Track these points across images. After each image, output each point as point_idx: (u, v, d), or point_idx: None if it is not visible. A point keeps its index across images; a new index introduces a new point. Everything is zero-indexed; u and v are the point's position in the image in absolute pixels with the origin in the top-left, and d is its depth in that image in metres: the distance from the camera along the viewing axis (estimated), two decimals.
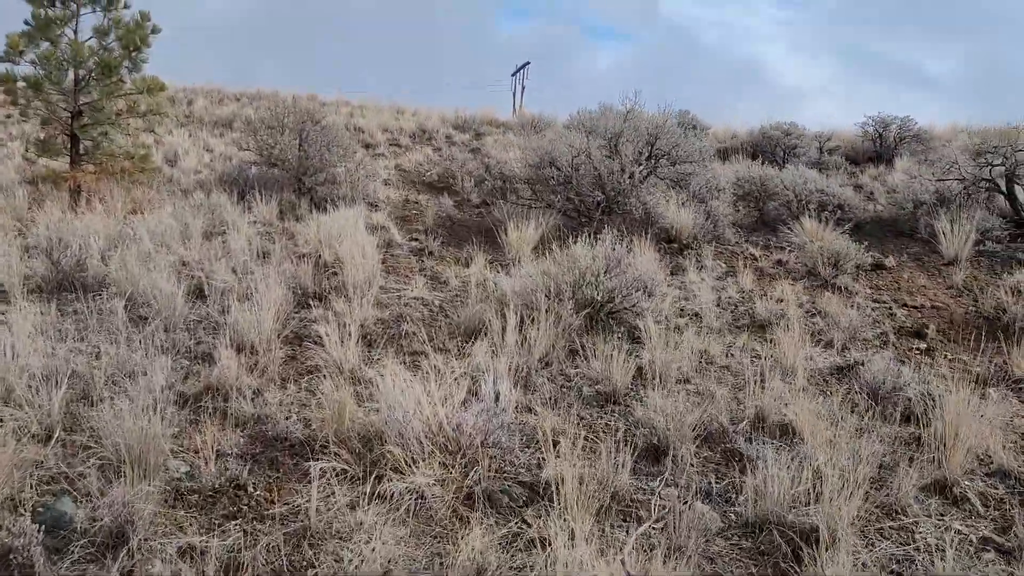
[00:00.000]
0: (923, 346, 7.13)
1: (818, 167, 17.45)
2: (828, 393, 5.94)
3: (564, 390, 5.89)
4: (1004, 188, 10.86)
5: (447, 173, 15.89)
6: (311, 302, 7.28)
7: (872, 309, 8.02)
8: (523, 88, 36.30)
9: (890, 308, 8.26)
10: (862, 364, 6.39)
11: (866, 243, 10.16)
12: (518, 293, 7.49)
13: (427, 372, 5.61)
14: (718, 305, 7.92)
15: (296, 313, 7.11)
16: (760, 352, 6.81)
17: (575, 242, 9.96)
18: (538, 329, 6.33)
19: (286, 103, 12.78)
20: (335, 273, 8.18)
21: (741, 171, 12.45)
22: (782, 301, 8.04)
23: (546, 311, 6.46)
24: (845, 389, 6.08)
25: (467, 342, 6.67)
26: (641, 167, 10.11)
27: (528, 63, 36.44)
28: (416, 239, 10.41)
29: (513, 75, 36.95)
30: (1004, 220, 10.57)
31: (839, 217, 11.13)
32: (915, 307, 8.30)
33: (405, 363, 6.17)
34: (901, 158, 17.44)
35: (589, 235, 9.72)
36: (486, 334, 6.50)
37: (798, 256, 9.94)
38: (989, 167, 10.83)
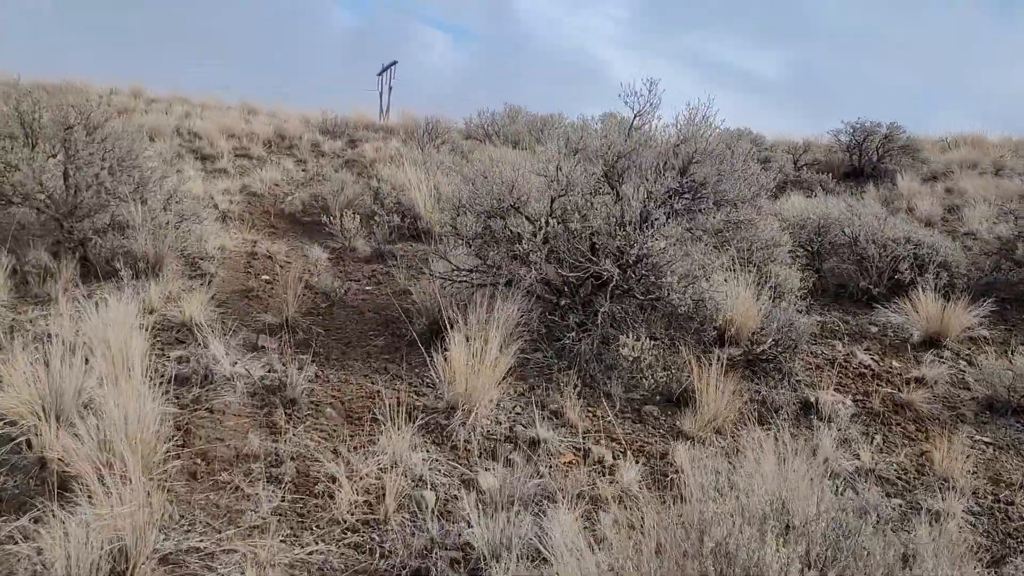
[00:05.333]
0: None
1: (801, 187, 13.65)
2: None
3: None
4: None
5: (316, 200, 10.96)
6: None
7: None
8: (390, 89, 31.94)
9: None
10: None
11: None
12: None
13: None
14: None
15: None
16: None
17: (565, 366, 5.39)
18: None
19: (24, 89, 7.48)
20: (65, 491, 3.26)
21: (783, 209, 8.20)
22: None
23: None
24: None
25: None
26: (665, 210, 5.66)
27: (395, 62, 32.15)
28: (262, 351, 5.53)
29: (379, 74, 32.56)
30: None
31: (947, 283, 7.06)
32: None
33: None
34: (902, 176, 13.81)
35: (592, 343, 5.19)
36: None
37: (951, 371, 5.74)
38: None
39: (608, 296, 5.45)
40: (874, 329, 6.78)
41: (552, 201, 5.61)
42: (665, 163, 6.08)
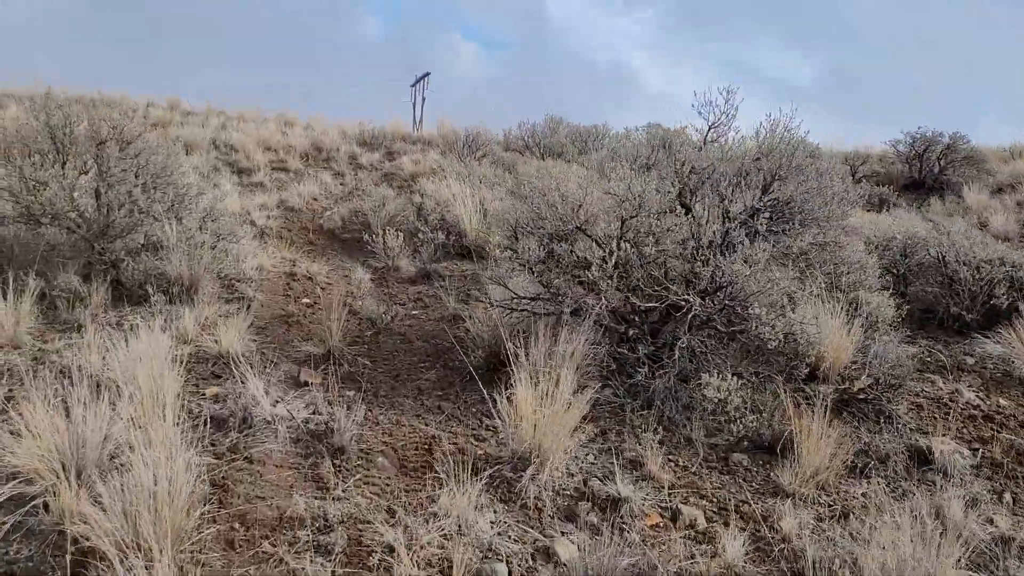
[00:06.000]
0: None
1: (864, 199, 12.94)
2: None
3: None
4: None
5: (356, 216, 10.53)
6: None
7: None
8: (424, 100, 31.86)
9: None
10: None
11: None
12: None
13: None
14: None
15: None
16: None
17: (639, 406, 4.85)
18: None
19: (56, 102, 7.07)
20: None
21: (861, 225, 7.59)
22: None
23: None
24: None
25: None
26: (746, 230, 5.09)
27: (428, 73, 32.10)
28: (305, 386, 5.05)
29: (413, 86, 32.53)
30: None
31: None
32: None
33: None
34: (969, 188, 13.08)
35: (667, 380, 4.65)
36: None
37: None
38: None
39: (687, 327, 4.90)
40: (971, 361, 6.14)
41: (623, 223, 5.07)
42: (744, 179, 5.53)
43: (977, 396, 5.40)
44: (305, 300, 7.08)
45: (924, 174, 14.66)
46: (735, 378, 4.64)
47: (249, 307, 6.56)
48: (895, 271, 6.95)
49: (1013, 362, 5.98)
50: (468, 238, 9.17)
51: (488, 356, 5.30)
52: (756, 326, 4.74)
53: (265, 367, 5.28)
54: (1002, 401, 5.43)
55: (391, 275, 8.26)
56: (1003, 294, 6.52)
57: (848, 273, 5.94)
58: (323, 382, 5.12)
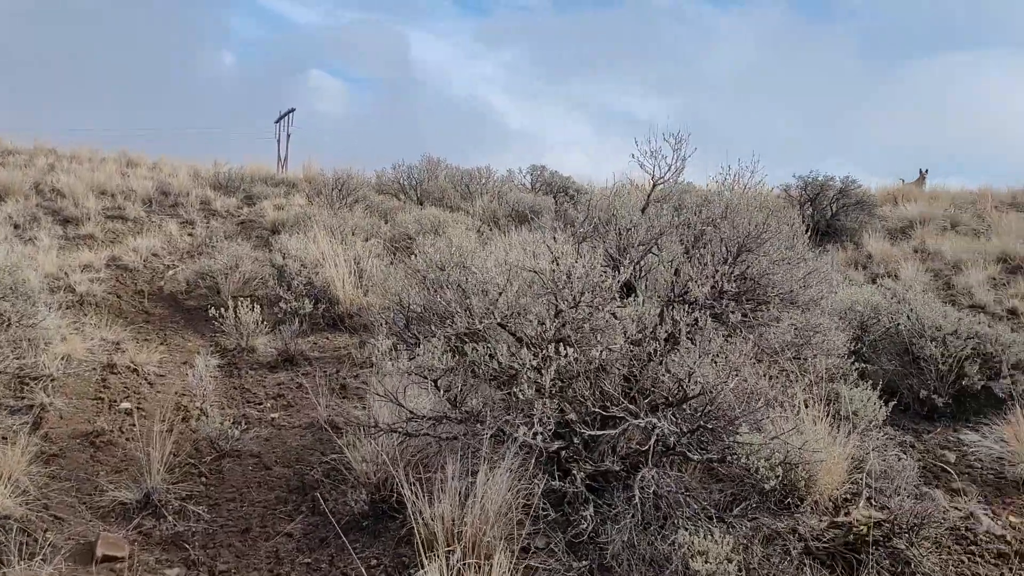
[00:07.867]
0: None
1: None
2: None
3: None
4: None
5: (204, 279, 8.76)
6: None
7: None
8: (288, 136, 30.32)
9: None
10: None
11: None
12: None
13: None
14: None
15: None
16: None
17: (587, 569, 3.52)
18: None
19: None
20: None
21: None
22: None
23: None
24: None
25: None
26: (707, 315, 3.87)
27: (293, 109, 30.73)
28: (106, 562, 3.39)
29: (276, 122, 30.91)
30: None
31: None
32: None
33: None
34: (868, 235, 12.65)
35: (627, 532, 3.34)
36: None
37: None
38: None
39: (649, 457, 3.60)
40: (952, 457, 5.14)
41: (557, 314, 3.73)
42: (697, 247, 4.34)
43: (994, 520, 4.34)
44: (124, 405, 5.36)
45: (817, 220, 14.20)
46: (725, 536, 3.35)
47: (40, 423, 4.80)
48: (856, 349, 5.95)
49: (998, 457, 5.02)
50: (342, 305, 7.64)
51: (375, 500, 3.83)
52: (745, 457, 3.50)
53: (47, 532, 3.60)
54: (1012, 519, 4.41)
55: (244, 359, 6.59)
56: (975, 373, 5.61)
57: (816, 357, 4.82)
58: (131, 555, 3.49)
